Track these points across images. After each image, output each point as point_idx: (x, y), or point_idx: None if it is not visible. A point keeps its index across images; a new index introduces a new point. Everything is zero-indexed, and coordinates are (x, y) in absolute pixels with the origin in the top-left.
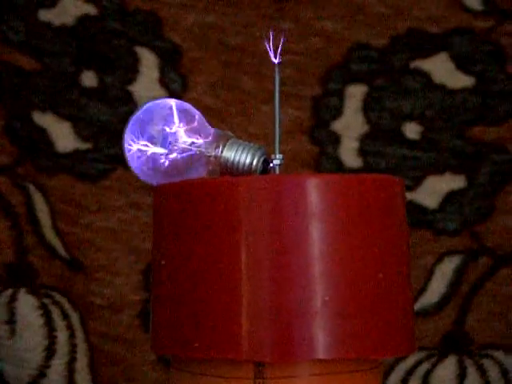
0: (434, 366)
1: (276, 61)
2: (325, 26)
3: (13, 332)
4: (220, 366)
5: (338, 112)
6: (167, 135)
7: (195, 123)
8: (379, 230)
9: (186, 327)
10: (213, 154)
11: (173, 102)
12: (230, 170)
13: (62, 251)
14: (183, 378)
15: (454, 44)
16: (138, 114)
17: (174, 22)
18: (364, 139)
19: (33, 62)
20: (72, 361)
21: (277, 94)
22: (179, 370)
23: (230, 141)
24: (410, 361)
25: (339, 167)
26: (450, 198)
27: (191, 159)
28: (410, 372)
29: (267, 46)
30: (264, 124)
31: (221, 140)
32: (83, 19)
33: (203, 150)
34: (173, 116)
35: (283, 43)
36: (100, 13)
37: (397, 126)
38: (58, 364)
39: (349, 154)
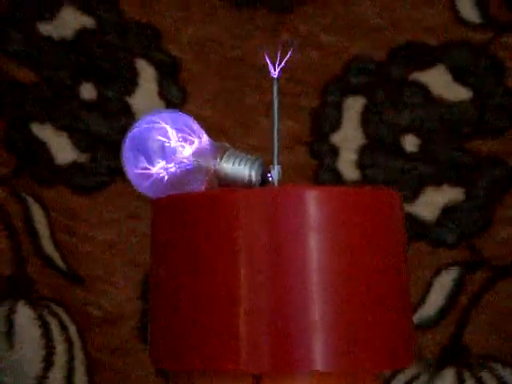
0: (432, 378)
1: (275, 74)
2: (323, 39)
3: (11, 343)
4: (218, 378)
5: (336, 124)
6: (165, 148)
7: (193, 135)
8: (377, 243)
9: (184, 339)
10: (211, 165)
11: (171, 114)
12: (228, 182)
13: (59, 262)
14: None
15: (452, 56)
16: (136, 126)
17: (172, 34)
18: (362, 151)
19: (31, 74)
20: (70, 372)
21: (275, 106)
22: (178, 381)
23: (228, 152)
24: (409, 373)
25: (338, 179)
26: (448, 210)
27: (190, 171)
28: None
29: (266, 58)
30: (263, 136)
31: (219, 152)
32: (82, 32)
33: (201, 162)
34: (171, 128)
35: (282, 56)
36: (99, 25)
37: (395, 139)
38: (56, 375)
39: (347, 166)
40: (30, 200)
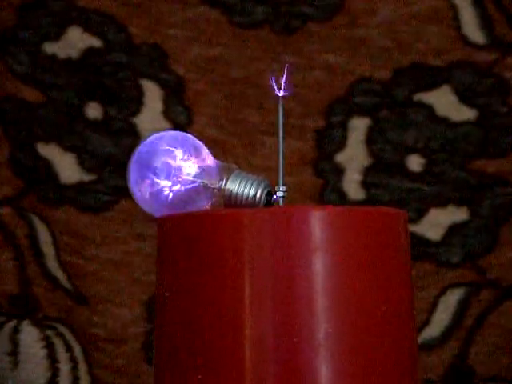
0: None
1: (280, 94)
2: (328, 59)
3: (16, 363)
4: None
5: (341, 144)
6: (171, 167)
7: (199, 155)
8: (382, 263)
9: (189, 361)
10: (216, 186)
11: (177, 134)
12: (233, 202)
13: (65, 283)
14: None
15: (457, 77)
16: (143, 146)
17: (178, 54)
18: (367, 171)
19: (37, 93)
20: None
21: (280, 127)
22: None
23: (233, 173)
24: None
25: (343, 199)
26: (453, 230)
27: (195, 191)
28: None
29: (271, 78)
30: (267, 156)
31: (224, 172)
32: (88, 52)
33: (207, 182)
34: (177, 148)
35: (287, 76)
36: (105, 45)
37: (400, 159)
38: None
39: (352, 186)
40: (36, 220)
